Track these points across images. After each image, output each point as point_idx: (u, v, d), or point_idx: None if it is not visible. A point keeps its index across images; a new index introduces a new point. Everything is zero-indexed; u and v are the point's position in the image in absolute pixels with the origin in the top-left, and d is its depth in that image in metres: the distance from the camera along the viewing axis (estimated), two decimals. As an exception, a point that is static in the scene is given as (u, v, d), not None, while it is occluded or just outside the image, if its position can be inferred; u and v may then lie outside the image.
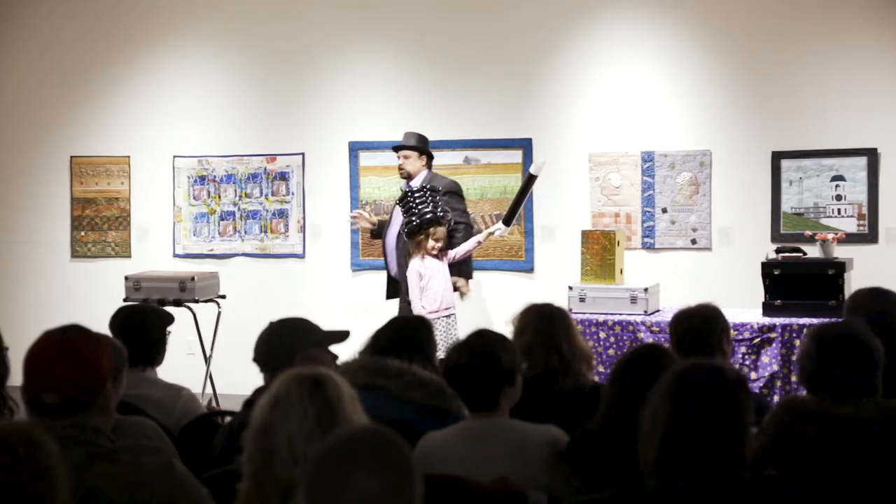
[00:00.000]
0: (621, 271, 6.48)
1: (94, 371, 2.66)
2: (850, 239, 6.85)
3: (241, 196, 8.46)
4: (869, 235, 7.11)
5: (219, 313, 7.40)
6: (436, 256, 6.49)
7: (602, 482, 2.86)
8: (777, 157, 7.29)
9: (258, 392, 3.18)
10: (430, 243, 6.46)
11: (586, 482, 2.90)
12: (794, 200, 7.27)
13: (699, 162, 7.44)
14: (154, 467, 2.55)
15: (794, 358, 5.56)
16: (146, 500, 2.47)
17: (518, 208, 6.86)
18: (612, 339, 6.15)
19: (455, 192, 6.91)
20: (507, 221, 6.82)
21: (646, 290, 6.23)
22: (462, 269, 6.80)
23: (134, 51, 8.62)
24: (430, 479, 2.14)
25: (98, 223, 8.76)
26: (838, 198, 7.19)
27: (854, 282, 6.00)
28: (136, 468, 2.53)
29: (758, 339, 5.92)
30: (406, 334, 3.83)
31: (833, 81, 7.19)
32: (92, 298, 8.15)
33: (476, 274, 7.70)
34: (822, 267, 6.11)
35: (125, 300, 6.95)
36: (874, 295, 4.31)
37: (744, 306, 6.31)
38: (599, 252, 6.43)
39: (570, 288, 6.38)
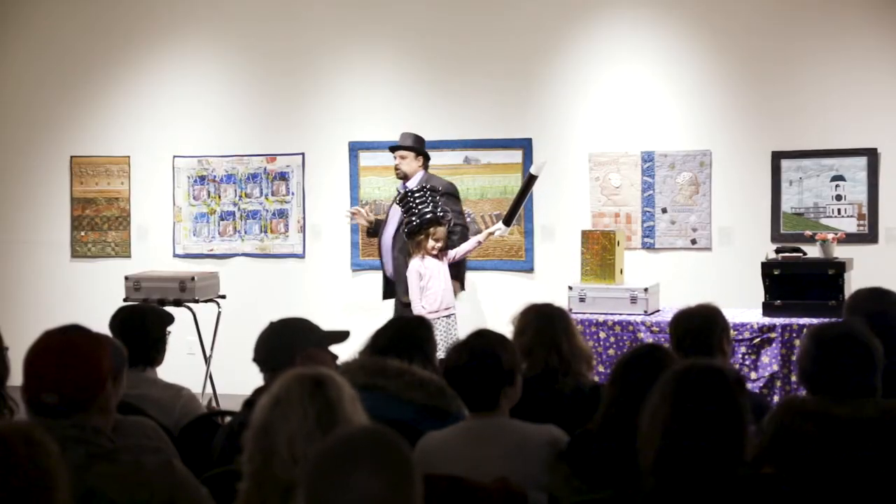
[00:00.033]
0: (621, 271, 6.48)
1: (94, 371, 2.67)
2: (850, 239, 6.85)
3: (241, 196, 8.46)
4: (869, 235, 7.11)
5: (219, 313, 7.40)
6: (436, 256, 6.50)
7: (602, 482, 2.86)
8: (777, 157, 7.29)
9: (258, 392, 3.18)
10: (430, 243, 6.46)
11: (586, 482, 2.90)
12: (794, 200, 7.27)
13: (699, 162, 7.45)
14: (154, 467, 2.55)
15: (794, 358, 5.56)
16: (146, 500, 2.47)
17: (518, 208, 6.87)
18: (612, 339, 6.15)
19: (452, 194, 6.90)
20: (508, 221, 6.82)
21: (646, 290, 6.23)
22: (457, 274, 6.78)
23: (134, 51, 8.62)
24: (430, 479, 2.14)
25: (98, 223, 8.76)
26: (838, 198, 7.19)
27: (854, 282, 6.00)
28: (136, 468, 2.53)
29: (758, 339, 5.92)
30: (406, 334, 3.83)
31: (833, 81, 7.19)
32: (92, 298, 8.15)
33: (476, 274, 7.72)
34: (822, 267, 6.11)
35: (125, 300, 6.95)
36: (874, 295, 4.31)
37: (744, 306, 6.31)
38: (599, 252, 6.43)
39: (570, 288, 6.38)
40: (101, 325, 3.28)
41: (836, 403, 3.01)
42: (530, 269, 7.82)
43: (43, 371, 2.64)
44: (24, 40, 8.86)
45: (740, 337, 5.85)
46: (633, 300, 6.22)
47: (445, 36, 7.95)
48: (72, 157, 8.78)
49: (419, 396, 3.46)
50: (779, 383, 5.86)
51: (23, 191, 8.89)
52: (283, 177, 8.36)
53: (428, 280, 6.45)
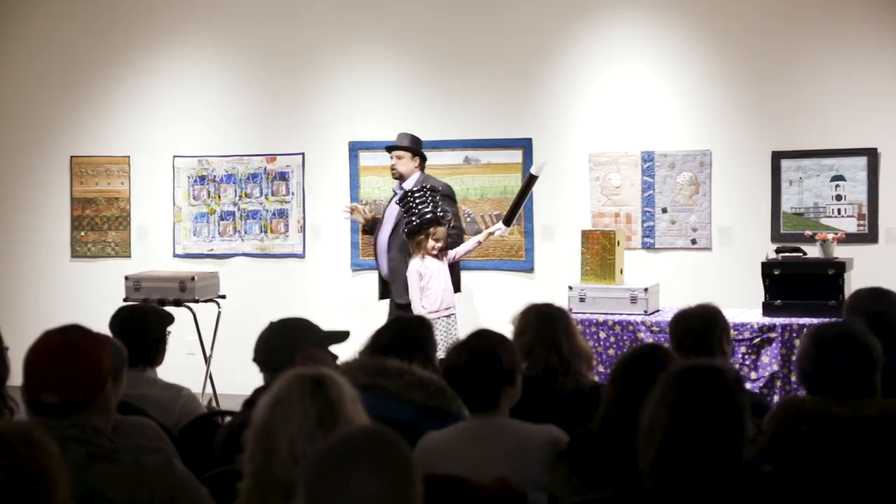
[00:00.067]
0: (621, 271, 6.48)
1: (94, 371, 2.67)
2: (850, 239, 6.85)
3: (241, 196, 8.46)
4: (869, 235, 7.11)
5: (219, 313, 7.40)
6: (436, 256, 6.50)
7: (602, 482, 2.86)
8: (777, 157, 7.29)
9: (258, 392, 3.18)
10: (431, 243, 6.46)
11: (586, 482, 2.90)
12: (794, 200, 7.27)
13: (699, 162, 7.45)
14: (154, 467, 2.55)
15: (793, 358, 5.56)
16: (146, 500, 2.47)
17: (518, 208, 6.87)
18: (612, 339, 6.15)
19: (448, 196, 6.88)
20: (508, 221, 6.82)
21: (646, 290, 6.23)
22: (452, 278, 6.77)
23: (134, 51, 8.62)
24: (430, 479, 2.14)
25: (98, 223, 8.76)
26: (838, 198, 7.19)
27: (854, 282, 6.00)
28: (136, 468, 2.53)
29: (758, 339, 5.92)
30: (406, 334, 3.83)
31: (833, 81, 7.19)
32: (92, 298, 8.15)
33: (476, 274, 7.72)
34: (822, 267, 6.11)
35: (125, 300, 6.95)
36: (874, 295, 4.32)
37: (744, 306, 6.31)
38: (599, 252, 6.43)
39: (570, 288, 6.38)
40: (101, 325, 3.28)
41: (835, 403, 3.01)
42: (530, 269, 7.82)
43: (43, 371, 2.64)
44: (24, 40, 8.86)
45: (740, 337, 5.85)
46: (633, 300, 6.22)
47: (445, 36, 7.95)
48: (72, 157, 8.78)
49: (419, 396, 3.46)
50: (779, 383, 5.86)
51: (23, 191, 8.89)
52: (283, 177, 8.36)
53: (428, 280, 6.45)
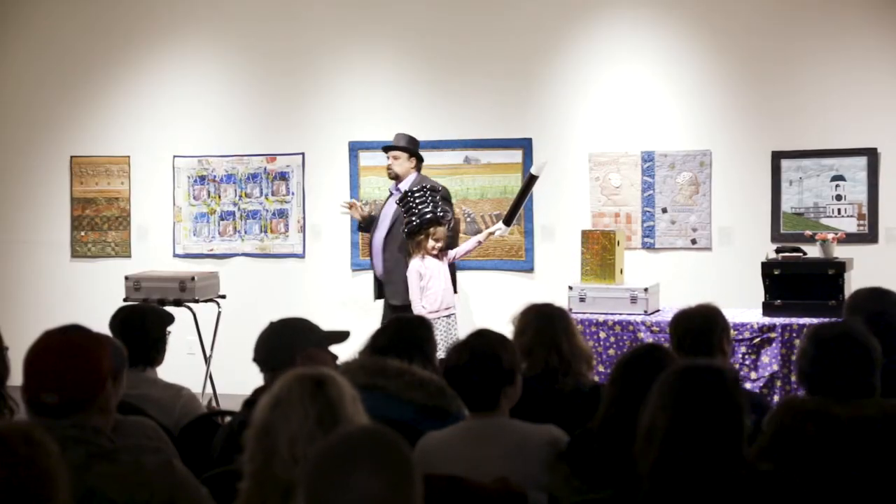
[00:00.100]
0: (621, 271, 6.48)
1: (94, 371, 2.67)
2: (850, 239, 6.85)
3: (241, 196, 8.46)
4: (869, 235, 7.11)
5: (219, 313, 7.40)
6: (436, 256, 6.50)
7: (602, 482, 2.85)
8: (777, 156, 7.29)
9: (258, 392, 3.18)
10: (431, 243, 6.47)
11: (586, 482, 2.90)
12: (794, 200, 7.27)
13: (699, 162, 7.45)
14: (154, 467, 2.55)
15: (793, 358, 5.56)
16: (146, 500, 2.47)
17: (518, 208, 6.87)
18: (612, 339, 6.15)
19: (444, 197, 6.88)
20: (508, 221, 6.82)
21: (646, 290, 6.23)
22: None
23: (134, 51, 8.62)
24: (430, 479, 2.14)
25: (98, 223, 8.76)
26: (838, 198, 7.19)
27: (854, 282, 6.00)
28: (136, 468, 2.53)
29: (758, 339, 5.92)
30: (406, 334, 3.82)
31: (833, 81, 7.19)
32: (92, 298, 8.15)
33: (476, 274, 7.72)
34: (822, 267, 6.11)
35: (125, 300, 6.95)
36: (874, 295, 4.32)
37: (744, 306, 6.31)
38: (599, 252, 6.43)
39: (570, 288, 6.38)
40: (101, 325, 3.28)
41: (835, 403, 3.01)
42: (530, 269, 7.82)
43: (43, 371, 2.64)
44: (24, 40, 8.86)
45: (740, 337, 5.85)
46: (633, 300, 6.22)
47: (445, 36, 7.95)
48: (72, 157, 8.78)
49: (419, 396, 3.46)
50: (779, 383, 5.86)
51: (23, 191, 8.89)
52: (283, 177, 8.36)
53: (428, 280, 6.45)
